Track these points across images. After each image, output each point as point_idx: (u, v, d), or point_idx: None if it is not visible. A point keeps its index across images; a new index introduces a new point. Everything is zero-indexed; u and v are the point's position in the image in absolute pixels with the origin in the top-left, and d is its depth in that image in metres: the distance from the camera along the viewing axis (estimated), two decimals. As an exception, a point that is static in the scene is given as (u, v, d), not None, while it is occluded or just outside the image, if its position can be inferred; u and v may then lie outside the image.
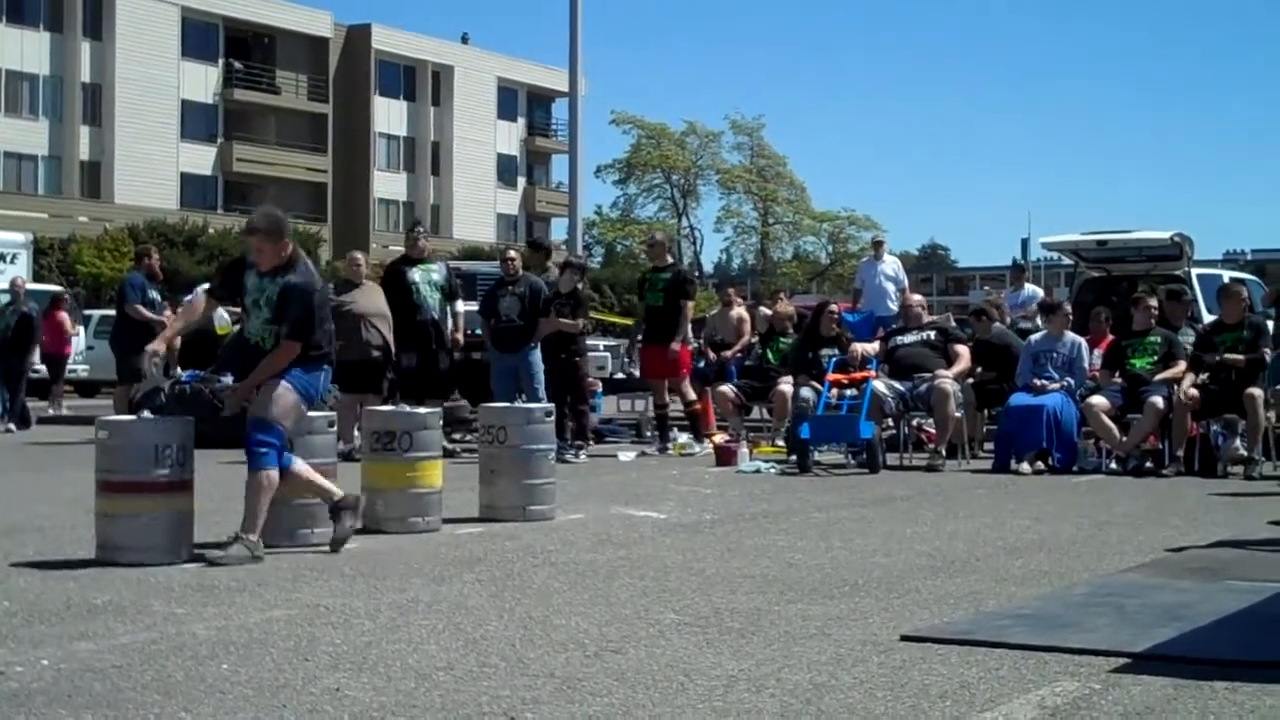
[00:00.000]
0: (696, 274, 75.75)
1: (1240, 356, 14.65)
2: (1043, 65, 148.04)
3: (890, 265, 23.18)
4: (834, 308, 17.66)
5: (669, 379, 17.67)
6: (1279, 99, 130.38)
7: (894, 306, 20.90)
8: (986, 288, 63.56)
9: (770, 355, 18.15)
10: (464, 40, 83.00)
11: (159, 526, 8.51)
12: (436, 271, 16.96)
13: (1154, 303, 16.13)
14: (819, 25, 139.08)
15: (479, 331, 18.44)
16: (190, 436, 8.75)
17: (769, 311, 20.44)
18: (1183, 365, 15.12)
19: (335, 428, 9.89)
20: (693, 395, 17.88)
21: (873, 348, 16.63)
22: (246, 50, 72.66)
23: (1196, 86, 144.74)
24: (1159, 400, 14.77)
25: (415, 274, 16.62)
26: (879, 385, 15.50)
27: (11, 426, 21.86)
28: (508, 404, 12.47)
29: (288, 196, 72.03)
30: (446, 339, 16.87)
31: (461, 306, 17.48)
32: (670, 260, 18.56)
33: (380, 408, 11.70)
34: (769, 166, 79.34)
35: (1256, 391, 14.46)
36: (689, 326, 18.01)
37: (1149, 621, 6.69)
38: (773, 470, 15.06)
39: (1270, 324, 16.62)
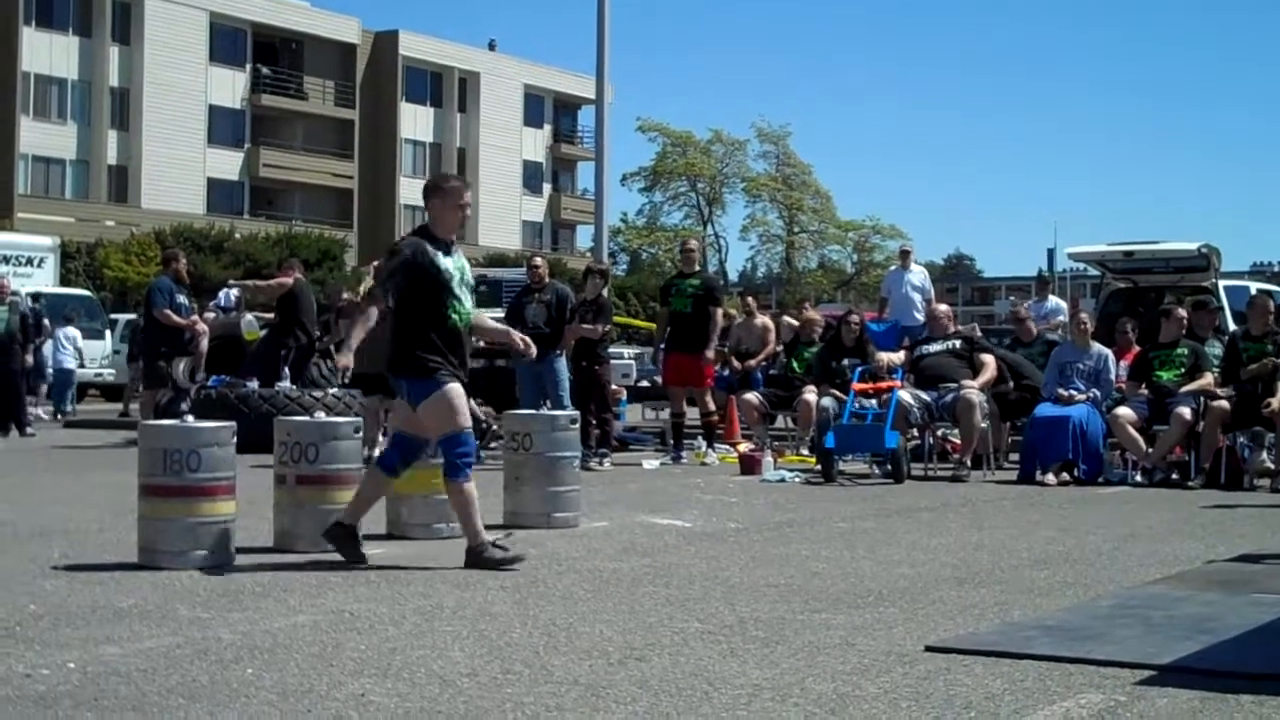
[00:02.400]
0: (721, 282, 75.87)
1: (1271, 359, 14.62)
2: (1071, 75, 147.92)
3: (917, 275, 23.17)
4: (855, 317, 17.63)
5: (691, 388, 17.62)
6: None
7: (920, 316, 20.89)
8: (1012, 298, 63.44)
9: (795, 364, 18.16)
10: (491, 47, 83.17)
11: (201, 531, 8.52)
12: None
13: (1184, 314, 16.10)
14: (846, 34, 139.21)
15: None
16: (232, 441, 8.76)
17: (794, 321, 20.45)
18: (1209, 377, 15.09)
19: (361, 433, 9.88)
20: (712, 407, 17.84)
21: (898, 357, 16.61)
22: (274, 56, 72.89)
23: (1225, 97, 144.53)
24: (1185, 412, 14.74)
25: None
26: (904, 395, 15.47)
27: (32, 430, 21.77)
28: (533, 411, 12.47)
29: (314, 202, 72.51)
30: None
31: None
32: (699, 268, 18.52)
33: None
34: (794, 175, 79.44)
35: (1286, 404, 14.41)
36: (719, 333, 17.92)
37: (1175, 634, 6.67)
38: (797, 479, 15.04)
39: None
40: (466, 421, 8.75)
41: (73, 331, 29.40)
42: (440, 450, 8.87)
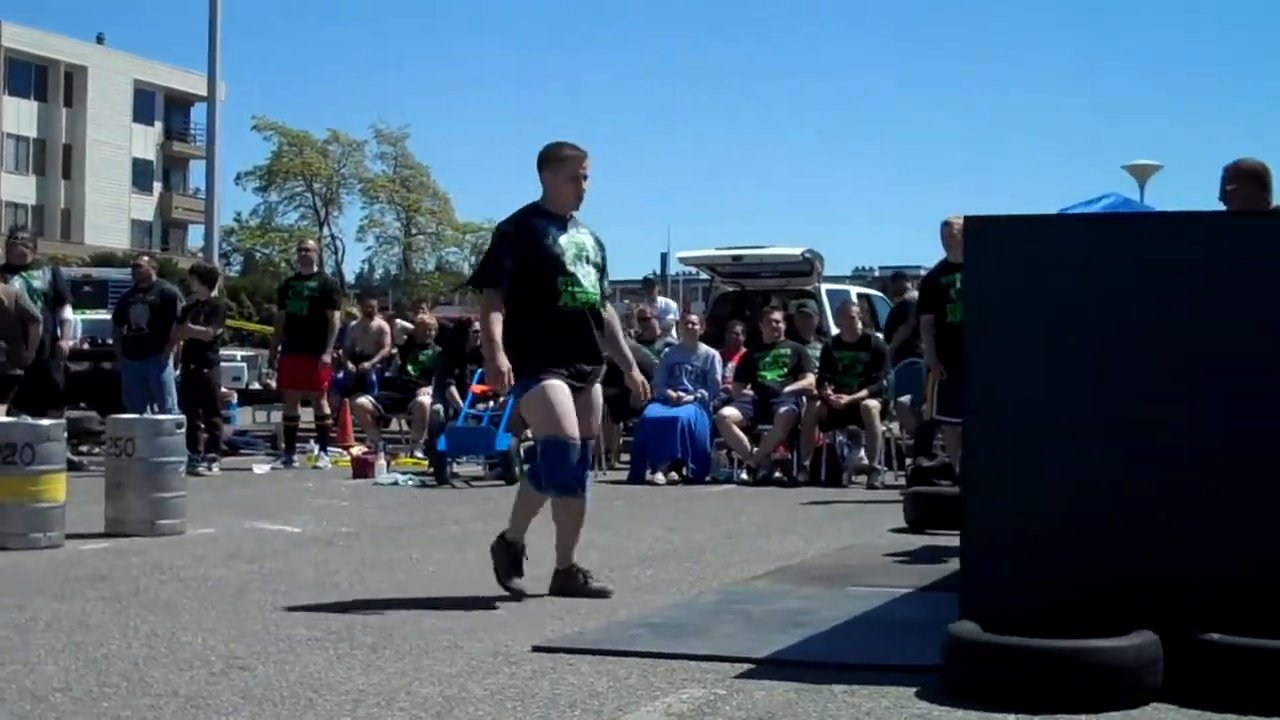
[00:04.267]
0: (340, 284, 75.05)
1: (845, 399, 15.23)
2: (677, 77, 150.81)
3: (532, 278, 23.28)
4: (477, 326, 17.70)
5: (307, 391, 17.41)
6: (914, 120, 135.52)
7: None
8: (627, 300, 64.27)
9: (410, 367, 18.09)
10: (99, 40, 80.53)
11: None
12: (39, 278, 16.08)
13: (778, 316, 16.61)
14: (462, 35, 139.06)
15: (110, 340, 17.96)
16: None
17: (409, 325, 20.37)
18: (810, 378, 15.62)
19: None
20: (327, 410, 17.65)
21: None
22: None
23: (826, 106, 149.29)
24: (787, 412, 15.22)
25: (16, 282, 15.75)
26: (522, 397, 15.55)
27: None
28: (136, 415, 12.14)
29: (-94, 198, 68.97)
30: (51, 347, 16.00)
31: (70, 314, 16.73)
32: (317, 269, 18.28)
33: None
34: (412, 176, 78.93)
35: (873, 403, 15.08)
36: (336, 337, 17.67)
37: (774, 627, 6.87)
38: (411, 482, 15.01)
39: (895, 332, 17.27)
40: (563, 429, 7.70)
41: None
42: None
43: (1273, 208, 8.67)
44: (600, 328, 7.99)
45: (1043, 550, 5.97)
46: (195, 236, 78.84)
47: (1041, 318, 6.05)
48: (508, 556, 8.05)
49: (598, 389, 8.12)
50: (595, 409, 8.12)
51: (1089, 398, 5.96)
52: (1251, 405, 5.79)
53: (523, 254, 7.78)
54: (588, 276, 7.86)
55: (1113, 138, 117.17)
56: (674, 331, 20.13)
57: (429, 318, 19.74)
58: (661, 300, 23.61)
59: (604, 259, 8.06)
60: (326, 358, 17.28)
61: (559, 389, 7.74)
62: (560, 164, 7.95)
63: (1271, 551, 5.73)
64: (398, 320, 22.20)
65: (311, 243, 20.39)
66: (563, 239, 7.83)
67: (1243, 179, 8.70)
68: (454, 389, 16.34)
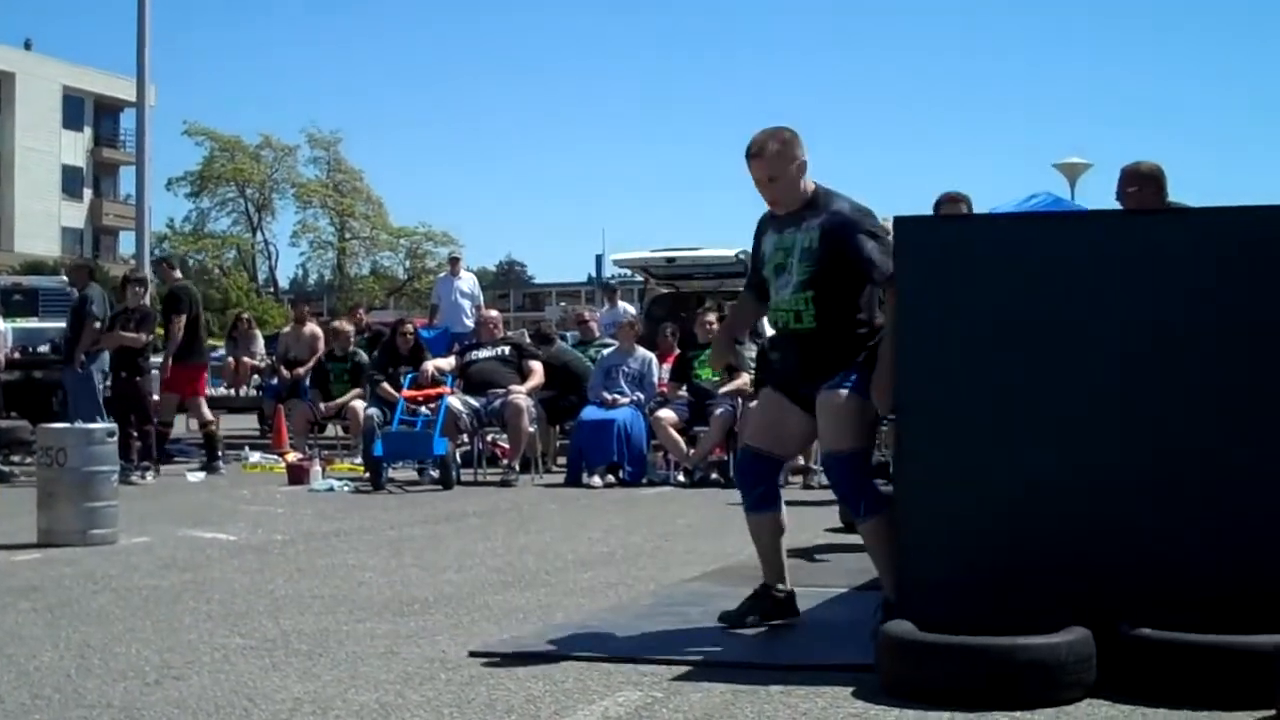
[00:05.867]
0: (271, 290, 74.84)
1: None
2: (611, 83, 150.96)
3: (466, 281, 23.34)
4: (409, 326, 17.69)
5: (181, 398, 17.24)
6: (847, 119, 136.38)
7: (470, 322, 21.05)
8: (564, 303, 64.23)
9: (334, 384, 18.09)
10: (27, 46, 79.83)
11: None
12: None
13: (713, 318, 16.63)
14: (392, 38, 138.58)
15: (42, 350, 17.88)
16: None
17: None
18: (745, 378, 15.64)
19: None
20: (209, 416, 17.41)
21: (448, 363, 16.66)
22: None
23: (758, 109, 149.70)
24: (724, 413, 15.24)
25: None
26: (454, 401, 15.54)
27: None
28: (67, 424, 12.03)
29: None
30: None
31: (2, 324, 16.56)
32: (178, 277, 18.20)
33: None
34: (346, 181, 78.68)
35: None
36: (177, 344, 17.08)
37: (710, 629, 6.89)
38: (346, 488, 14.95)
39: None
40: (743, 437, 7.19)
41: None
42: None
43: (1176, 205, 8.83)
44: (809, 346, 6.78)
45: (976, 549, 6.01)
46: (127, 243, 78.35)
47: (971, 317, 6.08)
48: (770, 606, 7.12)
49: (823, 399, 6.71)
50: (811, 427, 6.87)
51: (1020, 397, 6.00)
52: (1181, 405, 5.84)
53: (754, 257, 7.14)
54: (785, 287, 6.80)
55: (1044, 136, 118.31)
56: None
57: (345, 324, 19.55)
58: (621, 305, 23.62)
59: (834, 248, 6.62)
60: (167, 363, 16.99)
61: (761, 397, 7.34)
62: (749, 164, 6.85)
63: (1202, 547, 5.78)
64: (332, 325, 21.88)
65: (161, 255, 20.31)
66: (771, 243, 6.94)
67: (1144, 181, 8.88)
68: (386, 385, 16.33)
